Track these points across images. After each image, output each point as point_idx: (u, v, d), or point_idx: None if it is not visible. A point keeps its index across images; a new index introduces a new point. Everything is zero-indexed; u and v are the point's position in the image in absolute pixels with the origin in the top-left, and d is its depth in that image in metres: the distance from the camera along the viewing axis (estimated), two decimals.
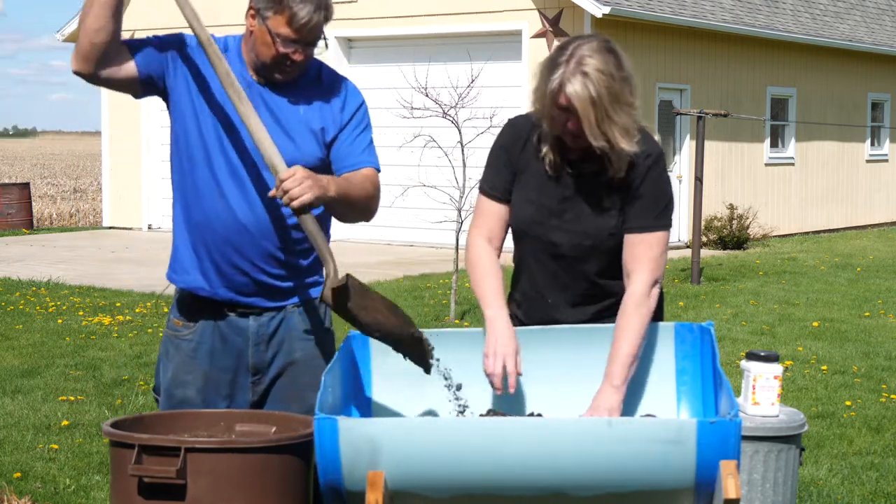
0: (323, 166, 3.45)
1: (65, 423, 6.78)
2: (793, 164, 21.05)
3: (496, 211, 3.44)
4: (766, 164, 20.38)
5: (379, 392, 3.37)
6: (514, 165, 3.41)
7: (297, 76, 3.44)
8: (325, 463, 2.75)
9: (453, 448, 2.72)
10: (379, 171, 3.56)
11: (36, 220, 22.31)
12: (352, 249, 17.21)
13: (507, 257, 3.37)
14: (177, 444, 2.95)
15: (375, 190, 3.51)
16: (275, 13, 3.33)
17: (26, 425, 6.73)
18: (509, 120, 3.50)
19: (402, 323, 3.25)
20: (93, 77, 3.36)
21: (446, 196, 11.79)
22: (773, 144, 20.79)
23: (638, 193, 3.32)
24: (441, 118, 11.57)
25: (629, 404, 3.35)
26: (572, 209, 3.37)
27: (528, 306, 3.49)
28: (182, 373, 3.55)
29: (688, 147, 18.20)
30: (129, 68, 3.37)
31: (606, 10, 15.94)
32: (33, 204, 23.03)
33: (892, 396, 7.69)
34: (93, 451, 6.18)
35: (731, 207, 18.30)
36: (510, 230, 3.48)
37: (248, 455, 2.98)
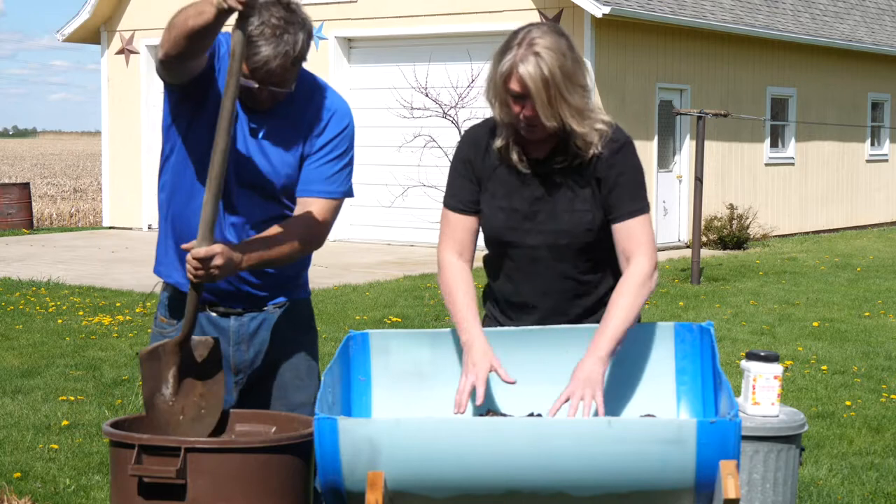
0: (293, 179, 3.45)
1: (65, 423, 6.78)
2: (793, 164, 21.05)
3: (464, 223, 3.40)
4: (766, 164, 20.38)
5: (379, 392, 3.37)
6: (478, 175, 3.38)
7: (273, 104, 3.38)
8: (325, 463, 2.76)
9: (453, 448, 2.72)
10: (339, 198, 3.48)
11: (36, 220, 22.31)
12: (352, 249, 17.22)
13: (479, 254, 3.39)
14: (177, 444, 2.95)
15: (312, 229, 3.41)
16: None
17: (26, 425, 6.73)
18: (466, 131, 3.48)
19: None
20: (178, 67, 3.29)
21: None
22: (773, 144, 20.80)
23: (616, 182, 3.31)
24: (441, 118, 11.59)
25: (629, 404, 3.35)
26: (544, 209, 3.35)
27: (514, 314, 3.47)
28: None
29: (688, 147, 18.20)
30: (201, 63, 3.34)
31: (606, 10, 15.94)
32: (33, 204, 23.04)
33: (892, 396, 7.69)
34: (93, 451, 6.18)
35: (731, 207, 18.30)
36: (484, 239, 3.45)
37: (248, 455, 2.98)
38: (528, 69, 3.17)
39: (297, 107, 3.44)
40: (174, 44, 3.17)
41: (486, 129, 3.40)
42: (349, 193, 3.53)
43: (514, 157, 3.33)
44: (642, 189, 3.36)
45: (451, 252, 3.39)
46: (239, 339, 3.52)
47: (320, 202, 3.44)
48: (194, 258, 3.14)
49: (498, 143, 3.34)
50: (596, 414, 3.09)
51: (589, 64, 16.49)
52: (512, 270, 3.44)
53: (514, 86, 3.20)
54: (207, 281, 3.20)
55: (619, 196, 3.31)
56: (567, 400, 3.12)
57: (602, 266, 3.41)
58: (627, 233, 3.31)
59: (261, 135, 3.42)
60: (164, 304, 3.60)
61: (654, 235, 3.36)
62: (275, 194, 3.44)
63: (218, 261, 3.16)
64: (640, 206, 3.33)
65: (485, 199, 3.39)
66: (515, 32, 3.27)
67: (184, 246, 3.21)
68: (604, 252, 3.38)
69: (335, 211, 3.50)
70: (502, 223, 3.38)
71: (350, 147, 3.50)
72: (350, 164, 3.51)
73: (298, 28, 3.27)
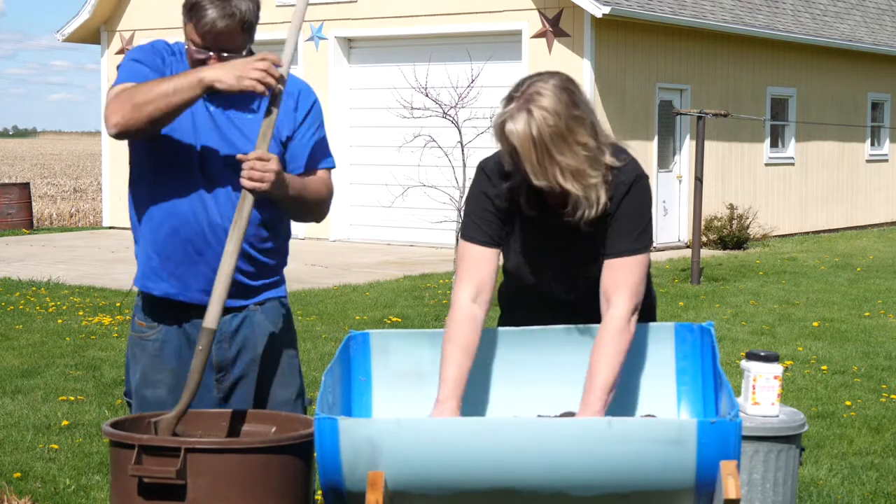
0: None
1: (65, 423, 6.78)
2: (793, 164, 21.05)
3: (486, 257, 3.26)
4: (766, 164, 20.38)
5: (379, 392, 3.37)
6: (500, 209, 3.28)
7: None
8: (326, 463, 2.75)
9: (453, 448, 2.72)
10: (333, 168, 3.63)
11: (36, 220, 22.31)
12: (352, 249, 17.21)
13: None
14: (177, 444, 2.95)
15: (329, 193, 3.59)
16: (188, 20, 3.38)
17: (26, 425, 6.73)
18: (480, 165, 3.37)
19: None
20: (137, 135, 3.39)
21: (446, 196, 11.79)
22: (773, 144, 20.80)
23: (618, 218, 3.21)
24: (441, 118, 11.58)
25: (629, 404, 3.35)
26: (563, 254, 3.32)
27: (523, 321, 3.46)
28: (151, 373, 3.56)
29: (688, 147, 18.20)
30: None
31: (606, 10, 15.94)
32: (33, 204, 23.04)
33: (892, 396, 7.69)
34: (93, 451, 6.18)
35: (731, 207, 18.31)
36: (502, 270, 3.39)
37: (248, 455, 2.98)
38: (515, 127, 3.05)
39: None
40: (142, 119, 3.27)
41: (499, 167, 3.26)
42: (334, 163, 3.66)
43: (523, 202, 3.25)
44: (640, 229, 3.23)
45: (468, 293, 3.23)
46: (221, 336, 3.52)
47: (322, 173, 3.57)
48: (258, 157, 3.21)
49: (507, 185, 3.25)
50: None
51: (588, 64, 16.50)
52: (525, 293, 3.42)
53: (503, 141, 3.12)
54: (261, 187, 3.22)
55: (611, 234, 3.22)
56: None
57: None
58: (610, 274, 3.20)
59: (235, 119, 3.45)
60: (140, 307, 3.60)
61: (643, 277, 3.24)
62: None
63: (274, 165, 3.24)
64: (630, 246, 3.21)
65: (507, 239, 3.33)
66: (522, 81, 3.16)
67: (240, 157, 3.26)
68: None
69: (333, 185, 3.62)
70: (522, 266, 3.35)
71: (322, 120, 3.61)
72: (325, 135, 3.62)
73: None
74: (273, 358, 3.58)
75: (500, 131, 3.11)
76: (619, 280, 3.18)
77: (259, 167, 3.23)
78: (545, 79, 3.12)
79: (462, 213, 3.41)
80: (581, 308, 3.35)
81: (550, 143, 3.05)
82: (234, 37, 3.35)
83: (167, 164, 3.44)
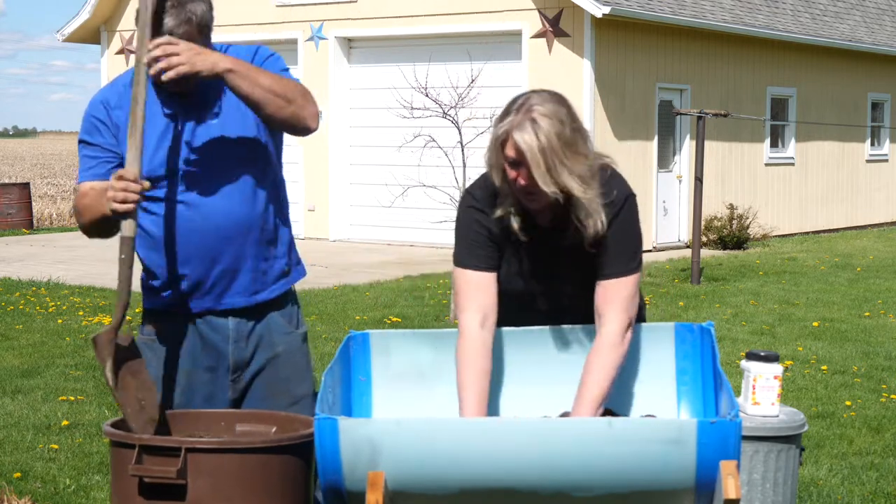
0: (259, 148, 3.47)
1: (65, 423, 6.78)
2: (793, 164, 21.05)
3: (486, 282, 3.26)
4: (766, 164, 20.38)
5: (379, 392, 3.37)
6: (493, 233, 3.28)
7: (183, 85, 3.39)
8: (326, 463, 2.76)
9: (453, 448, 2.72)
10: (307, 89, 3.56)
11: (36, 220, 22.30)
12: (352, 249, 17.21)
13: None
14: (177, 444, 2.96)
15: (299, 91, 3.44)
16: None
17: (26, 425, 6.73)
18: (466, 190, 3.38)
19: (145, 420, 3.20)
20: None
21: (446, 196, 11.79)
22: (773, 144, 20.80)
23: (609, 239, 3.22)
24: (441, 118, 11.58)
25: (629, 404, 3.35)
26: (555, 276, 3.32)
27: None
28: (165, 376, 3.54)
29: (688, 147, 18.20)
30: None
31: (606, 10, 15.94)
32: (33, 204, 23.03)
33: (892, 396, 7.69)
34: (93, 451, 6.18)
35: (731, 207, 18.31)
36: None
37: (248, 455, 2.99)
38: (523, 136, 3.07)
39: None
40: (89, 228, 3.53)
41: (487, 193, 3.29)
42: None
43: (515, 226, 3.25)
44: (633, 248, 3.26)
45: (475, 320, 3.23)
46: (238, 336, 3.52)
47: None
48: (157, 44, 3.23)
49: (498, 212, 3.25)
50: None
51: (588, 64, 16.49)
52: (519, 312, 3.38)
53: (510, 152, 3.11)
54: (185, 70, 3.21)
55: (602, 256, 3.24)
56: None
57: None
58: (604, 292, 3.23)
59: (197, 114, 3.45)
60: (149, 314, 3.60)
61: (635, 294, 3.26)
62: (251, 160, 3.46)
63: (185, 43, 3.24)
64: (622, 268, 3.23)
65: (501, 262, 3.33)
66: (515, 98, 3.18)
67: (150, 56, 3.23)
68: None
69: (312, 98, 3.52)
70: (519, 287, 3.33)
71: (285, 67, 3.56)
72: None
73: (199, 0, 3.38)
74: (290, 355, 3.58)
75: (505, 141, 3.12)
76: (611, 297, 3.22)
77: (167, 48, 3.20)
78: (538, 93, 3.17)
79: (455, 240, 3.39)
80: (564, 316, 3.34)
81: (559, 148, 3.08)
82: (192, 41, 3.35)
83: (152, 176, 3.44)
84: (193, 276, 3.45)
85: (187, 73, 3.21)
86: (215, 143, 3.43)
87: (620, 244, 3.24)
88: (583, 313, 3.31)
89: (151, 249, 3.50)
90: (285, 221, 3.61)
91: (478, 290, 3.26)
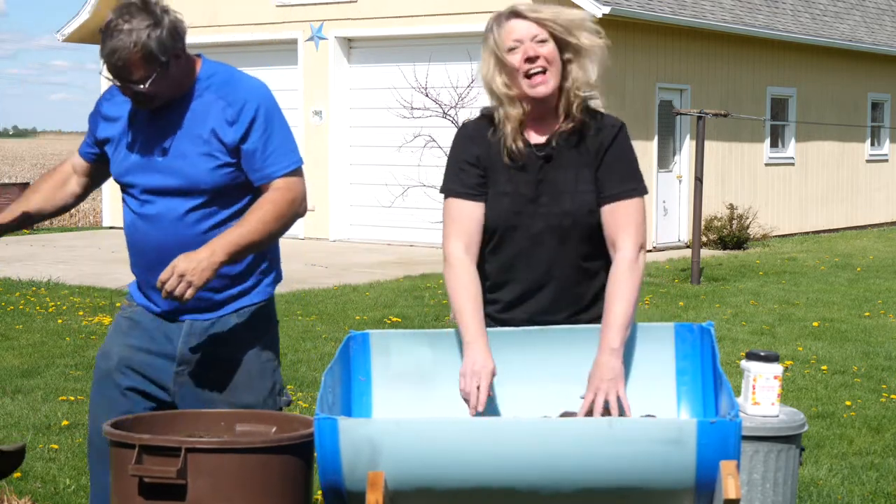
0: (229, 177, 3.49)
1: (65, 423, 6.78)
2: (793, 164, 21.05)
3: (470, 212, 3.36)
4: (766, 164, 20.38)
5: (379, 392, 3.37)
6: (483, 165, 3.38)
7: (160, 103, 3.44)
8: (326, 463, 2.76)
9: (453, 448, 2.72)
10: (296, 167, 3.53)
11: None
12: (352, 249, 17.21)
13: None
14: (177, 444, 2.96)
15: (293, 202, 3.50)
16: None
17: (26, 425, 6.73)
18: (460, 127, 3.52)
19: None
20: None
21: None
22: (773, 144, 20.80)
23: (609, 161, 3.34)
24: (441, 118, 11.58)
25: (629, 404, 3.35)
26: (547, 192, 3.36)
27: (506, 312, 3.45)
28: (110, 344, 3.65)
29: (688, 147, 18.20)
30: (88, 170, 3.70)
31: (606, 10, 15.95)
32: None
33: (892, 396, 7.69)
34: None
35: (731, 207, 18.31)
36: (486, 230, 3.42)
37: (248, 455, 2.99)
38: (524, 9, 3.28)
39: (203, 95, 3.48)
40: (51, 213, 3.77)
41: (482, 123, 3.43)
42: (301, 161, 3.56)
43: (515, 142, 3.34)
44: (634, 169, 3.37)
45: (459, 245, 3.34)
46: (191, 331, 3.57)
47: (281, 182, 3.48)
48: (162, 284, 3.30)
49: (499, 133, 3.36)
50: (622, 412, 3.11)
51: None
52: (512, 258, 3.40)
53: (513, 34, 3.28)
54: (195, 292, 3.31)
55: (608, 177, 3.34)
56: (593, 401, 3.14)
57: (602, 255, 3.39)
58: (613, 216, 3.32)
59: (169, 138, 3.49)
60: (130, 292, 3.73)
61: (643, 219, 3.34)
62: (204, 191, 3.49)
63: (181, 267, 3.28)
64: (629, 187, 3.34)
65: (490, 188, 3.39)
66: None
67: (158, 283, 3.36)
68: (604, 241, 3.38)
69: (299, 180, 3.53)
70: (507, 207, 3.36)
71: (274, 123, 3.50)
72: (285, 135, 3.52)
73: (148, 26, 3.32)
74: (244, 361, 3.58)
75: (511, 29, 3.28)
76: (622, 222, 3.31)
77: (170, 287, 3.31)
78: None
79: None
80: (559, 255, 3.37)
81: (566, 21, 3.29)
82: (134, 69, 3.34)
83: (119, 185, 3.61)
84: (152, 281, 3.50)
85: (200, 287, 3.31)
86: (175, 164, 3.48)
87: (624, 164, 3.35)
88: (566, 236, 3.36)
89: (128, 242, 3.65)
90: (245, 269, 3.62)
91: (462, 220, 3.36)
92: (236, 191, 3.51)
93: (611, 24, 16.64)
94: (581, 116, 3.35)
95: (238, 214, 3.50)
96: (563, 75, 3.33)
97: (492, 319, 3.44)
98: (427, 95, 11.92)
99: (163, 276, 3.29)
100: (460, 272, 3.31)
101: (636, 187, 3.35)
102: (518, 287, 3.42)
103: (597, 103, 3.39)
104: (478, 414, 3.22)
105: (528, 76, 3.30)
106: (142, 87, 3.36)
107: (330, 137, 18.30)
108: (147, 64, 3.33)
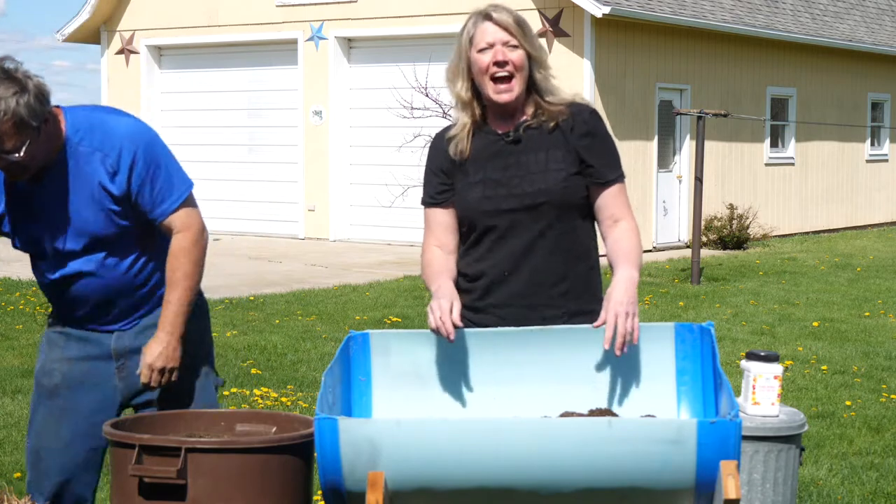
0: (133, 219, 3.53)
1: None
2: (793, 164, 21.05)
3: (441, 219, 3.51)
4: (766, 164, 20.38)
5: (379, 392, 3.37)
6: (447, 170, 3.49)
7: (33, 171, 3.43)
8: (326, 463, 2.76)
9: (453, 448, 2.72)
10: (186, 195, 3.55)
11: None
12: (352, 249, 17.21)
13: None
14: (177, 444, 2.96)
15: (195, 242, 3.55)
16: None
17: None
18: (432, 140, 3.64)
19: None
20: None
21: None
22: (773, 144, 20.80)
23: (598, 146, 3.46)
24: (441, 118, 11.58)
25: (629, 404, 3.35)
26: (517, 174, 3.43)
27: (507, 313, 3.47)
28: (49, 361, 3.68)
29: (688, 147, 18.20)
30: None
31: (606, 10, 15.94)
32: None
33: (892, 396, 7.69)
34: None
35: (731, 207, 18.31)
36: (461, 223, 3.50)
37: (248, 455, 2.99)
38: (497, 14, 3.36)
39: (75, 157, 3.46)
40: None
41: (447, 130, 3.55)
42: (190, 186, 3.58)
43: (464, 142, 3.44)
44: (617, 157, 3.54)
45: (432, 245, 3.51)
46: (126, 326, 3.65)
47: (176, 218, 3.53)
48: (144, 385, 3.51)
49: (457, 127, 3.46)
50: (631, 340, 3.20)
51: (588, 64, 16.50)
52: (490, 244, 3.45)
53: (486, 36, 3.36)
54: (173, 378, 3.53)
55: (604, 161, 3.47)
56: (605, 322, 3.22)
57: (578, 236, 3.47)
58: (613, 199, 3.48)
59: (52, 203, 3.51)
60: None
61: (629, 202, 3.57)
62: (115, 240, 3.55)
63: (156, 363, 3.48)
64: (619, 173, 3.50)
65: (459, 185, 3.47)
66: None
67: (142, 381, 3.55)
68: (578, 219, 3.46)
69: (192, 210, 3.57)
70: (477, 195, 3.44)
71: (155, 160, 3.50)
72: (168, 167, 3.52)
73: (14, 93, 3.26)
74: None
75: (471, 38, 3.39)
76: (619, 202, 3.48)
77: (154, 384, 3.51)
78: None
79: None
80: (535, 232, 3.42)
81: (525, 27, 3.40)
82: (6, 139, 3.29)
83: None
84: (74, 315, 3.64)
85: (178, 363, 3.50)
86: (77, 225, 3.51)
87: (611, 150, 3.51)
88: (540, 216, 3.42)
89: (52, 299, 3.75)
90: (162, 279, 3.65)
91: (432, 225, 3.52)
92: (147, 224, 3.56)
93: (611, 24, 16.65)
94: (549, 108, 3.44)
95: (162, 244, 3.57)
96: (531, 82, 3.42)
97: (472, 310, 3.46)
98: (427, 95, 11.93)
99: (144, 379, 3.49)
100: (429, 256, 3.48)
101: (622, 174, 3.52)
102: (495, 270, 3.45)
103: (561, 90, 3.49)
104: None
105: (494, 80, 3.37)
106: (16, 155, 3.31)
107: (330, 137, 18.30)
108: (19, 132, 3.28)
